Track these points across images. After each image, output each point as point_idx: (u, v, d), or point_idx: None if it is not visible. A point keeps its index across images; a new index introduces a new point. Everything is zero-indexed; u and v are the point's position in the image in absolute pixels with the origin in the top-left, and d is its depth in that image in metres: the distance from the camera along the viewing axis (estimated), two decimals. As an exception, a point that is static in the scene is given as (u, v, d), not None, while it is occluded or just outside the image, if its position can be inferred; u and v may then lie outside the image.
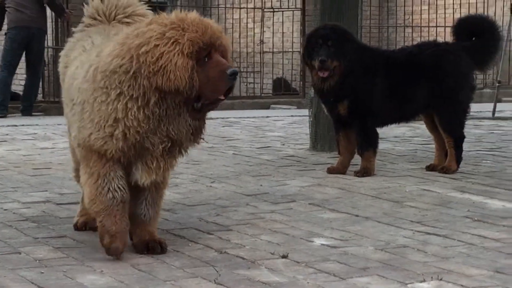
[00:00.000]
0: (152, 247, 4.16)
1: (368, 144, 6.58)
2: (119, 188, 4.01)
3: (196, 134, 4.06)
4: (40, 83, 14.23)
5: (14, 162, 7.37)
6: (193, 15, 4.04)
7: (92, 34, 4.66)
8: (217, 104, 4.08)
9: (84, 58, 4.33)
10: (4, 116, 12.32)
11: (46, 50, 14.11)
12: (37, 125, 11.06)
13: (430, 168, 6.78)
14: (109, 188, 4.00)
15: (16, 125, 10.92)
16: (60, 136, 9.48)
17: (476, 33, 6.97)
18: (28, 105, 12.93)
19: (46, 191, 5.94)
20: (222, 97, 4.02)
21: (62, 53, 4.91)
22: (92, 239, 4.43)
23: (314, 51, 6.48)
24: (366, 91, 6.60)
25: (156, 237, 4.24)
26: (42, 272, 3.82)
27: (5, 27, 13.37)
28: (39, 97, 14.27)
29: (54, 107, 13.44)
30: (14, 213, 5.17)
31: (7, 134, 9.78)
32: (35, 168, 7.01)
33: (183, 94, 3.87)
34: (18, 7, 12.58)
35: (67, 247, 4.31)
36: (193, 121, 4.00)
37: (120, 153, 3.96)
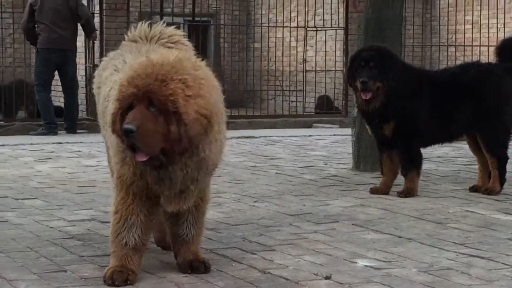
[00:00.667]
0: (196, 266, 4.18)
1: (411, 164, 6.59)
2: (133, 237, 3.98)
3: (192, 179, 3.91)
4: (84, 100, 14.57)
5: (59, 180, 7.47)
6: (151, 59, 3.83)
7: (124, 52, 4.68)
8: (152, 161, 3.74)
9: (117, 78, 4.34)
10: (56, 134, 12.35)
11: (90, 68, 14.42)
12: (81, 142, 11.16)
13: (473, 189, 6.78)
14: (125, 235, 3.99)
15: (61, 143, 11.04)
16: (105, 154, 9.68)
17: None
18: (71, 123, 12.97)
19: (91, 209, 6.01)
20: (137, 158, 3.73)
21: (95, 73, 4.94)
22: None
23: (357, 73, 6.52)
24: (411, 112, 6.63)
25: (199, 257, 4.25)
26: (88, 291, 3.98)
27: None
28: (83, 115, 14.47)
29: (97, 125, 13.59)
30: (59, 231, 5.24)
31: (52, 152, 9.90)
32: (80, 186, 7.09)
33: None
34: (52, 26, 12.46)
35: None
36: (176, 167, 3.87)
37: (135, 179, 3.94)
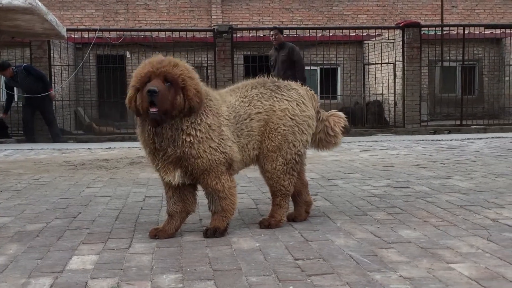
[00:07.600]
0: (205, 231, 3.76)
1: None
2: None
3: (174, 142, 3.54)
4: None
5: (372, 162, 7.66)
6: (160, 56, 3.60)
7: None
8: (151, 116, 3.44)
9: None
10: None
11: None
12: (389, 140, 11.37)
13: None
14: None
15: (376, 140, 11.36)
16: (403, 147, 9.75)
17: None
18: None
19: (389, 179, 6.05)
20: (151, 110, 3.42)
21: None
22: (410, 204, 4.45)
23: None
24: None
25: (213, 226, 3.75)
26: (378, 227, 3.89)
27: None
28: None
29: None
30: (367, 191, 5.32)
31: (371, 146, 10.22)
32: (384, 166, 7.21)
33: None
34: None
35: (396, 212, 4.31)
36: (166, 131, 3.52)
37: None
